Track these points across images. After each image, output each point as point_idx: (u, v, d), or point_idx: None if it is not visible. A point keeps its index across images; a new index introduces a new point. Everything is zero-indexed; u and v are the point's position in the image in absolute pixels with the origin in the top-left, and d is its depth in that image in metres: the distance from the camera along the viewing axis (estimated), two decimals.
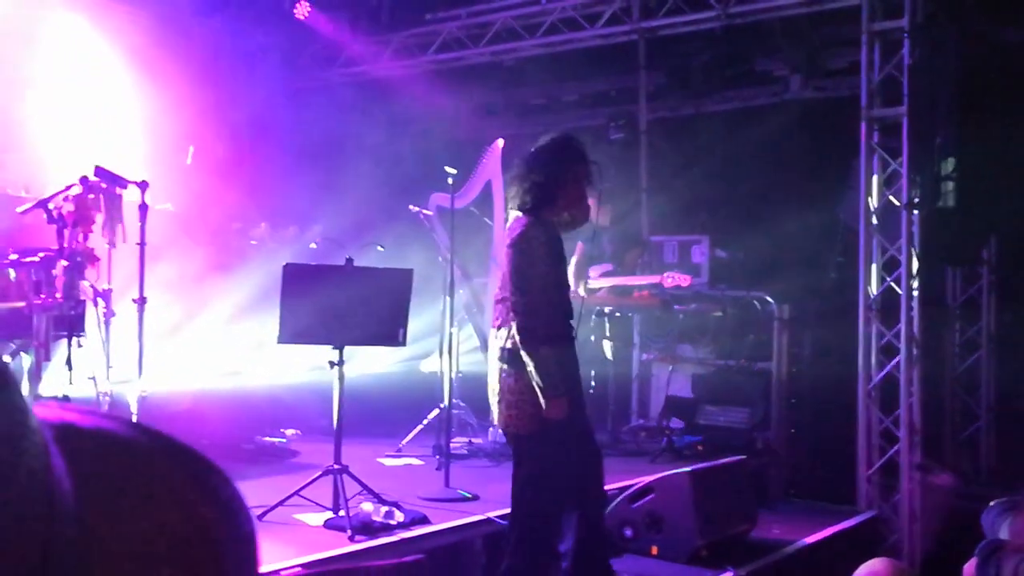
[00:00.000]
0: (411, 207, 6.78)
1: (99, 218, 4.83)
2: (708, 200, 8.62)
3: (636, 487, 5.24)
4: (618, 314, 7.51)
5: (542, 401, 3.96)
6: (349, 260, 4.88)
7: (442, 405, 5.92)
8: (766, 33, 8.35)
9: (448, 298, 5.81)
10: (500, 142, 6.67)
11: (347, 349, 4.64)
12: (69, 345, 4.67)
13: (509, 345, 4.06)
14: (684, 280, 6.99)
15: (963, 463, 8.06)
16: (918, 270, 6.50)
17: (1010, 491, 3.40)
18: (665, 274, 7.14)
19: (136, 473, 0.62)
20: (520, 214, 4.18)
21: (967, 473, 7.80)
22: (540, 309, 4.04)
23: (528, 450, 4.14)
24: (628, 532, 5.17)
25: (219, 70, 8.11)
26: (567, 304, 4.22)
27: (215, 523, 0.63)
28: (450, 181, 5.58)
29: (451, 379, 5.78)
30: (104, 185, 4.83)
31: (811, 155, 8.17)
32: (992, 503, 3.34)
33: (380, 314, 4.73)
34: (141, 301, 4.83)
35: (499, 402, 4.13)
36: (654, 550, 5.09)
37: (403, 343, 4.84)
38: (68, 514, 0.56)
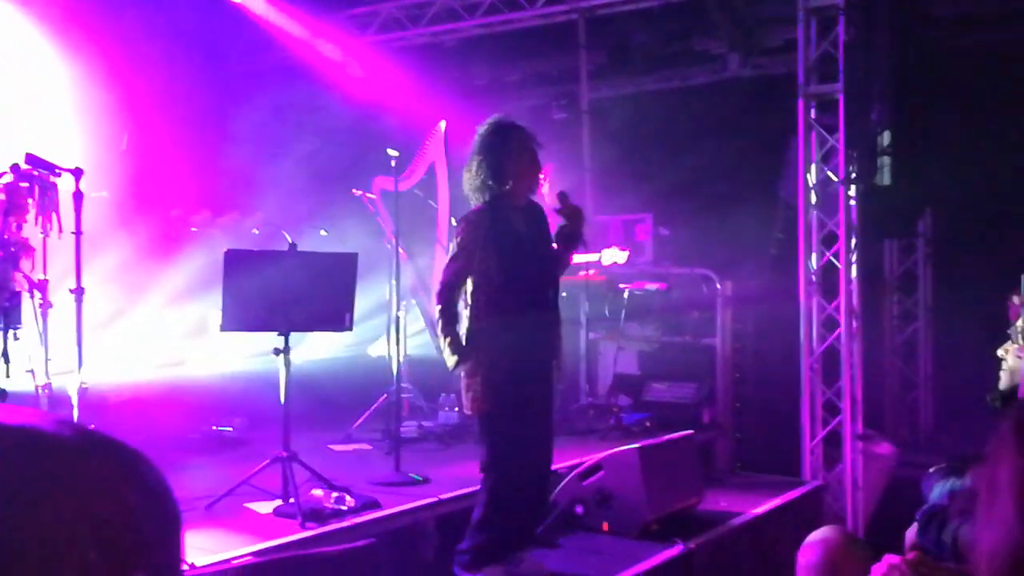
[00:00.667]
0: (354, 191, 6.72)
1: (32, 207, 4.71)
2: (651, 178, 8.68)
3: (586, 465, 5.29)
4: (564, 293, 7.53)
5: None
6: (292, 245, 4.83)
7: (391, 389, 5.90)
8: (703, 11, 8.41)
9: (394, 281, 5.78)
10: (443, 124, 6.64)
11: (293, 335, 4.59)
12: (4, 338, 4.56)
13: (462, 331, 4.22)
14: (620, 257, 7.04)
15: (903, 431, 8.26)
16: (856, 244, 6.63)
17: (948, 456, 3.49)
18: (603, 251, 7.18)
19: (62, 466, 0.64)
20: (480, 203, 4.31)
21: (907, 440, 8.00)
22: (450, 289, 4.19)
23: (485, 429, 4.26)
24: (579, 509, 5.21)
25: (154, 55, 7.94)
26: (523, 282, 4.25)
27: (141, 509, 0.66)
28: (393, 164, 5.53)
29: (399, 363, 5.76)
30: (36, 173, 4.70)
31: (750, 132, 8.27)
32: (931, 469, 3.43)
33: (325, 299, 4.68)
34: (79, 292, 4.72)
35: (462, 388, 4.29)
36: (605, 526, 5.14)
37: (350, 327, 4.81)
38: None
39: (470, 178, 4.31)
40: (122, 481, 0.66)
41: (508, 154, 4.27)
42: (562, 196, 4.42)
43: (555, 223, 4.49)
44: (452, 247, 4.30)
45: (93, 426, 0.72)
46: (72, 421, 0.69)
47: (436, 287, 4.36)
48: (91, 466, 0.66)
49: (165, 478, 0.70)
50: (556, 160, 7.49)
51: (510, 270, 4.21)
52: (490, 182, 4.25)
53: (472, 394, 4.19)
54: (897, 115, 6.49)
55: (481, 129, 4.37)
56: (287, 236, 5.00)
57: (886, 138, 6.54)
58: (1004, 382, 3.07)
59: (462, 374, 4.23)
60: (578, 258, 7.44)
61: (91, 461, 0.66)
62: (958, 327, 7.79)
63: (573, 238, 4.47)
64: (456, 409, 6.68)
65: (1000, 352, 3.14)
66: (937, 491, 3.25)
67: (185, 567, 3.40)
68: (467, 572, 4.26)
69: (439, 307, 4.20)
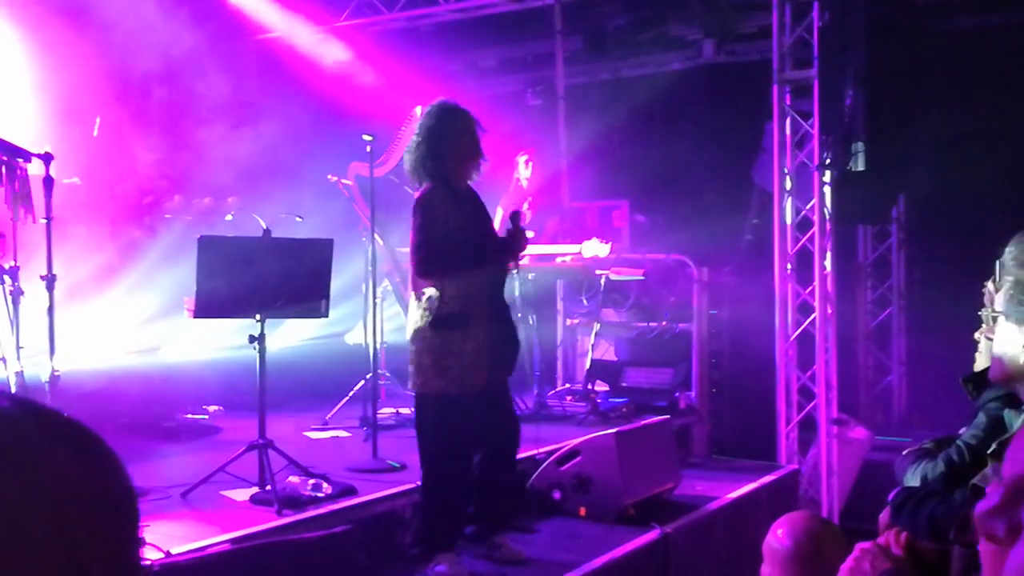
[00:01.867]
0: (329, 176, 6.67)
1: (1, 193, 4.64)
2: (627, 165, 8.68)
3: (563, 450, 5.30)
4: (541, 280, 7.53)
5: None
6: (266, 231, 4.79)
7: (368, 376, 5.88)
8: None
9: (370, 268, 5.75)
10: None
11: (269, 321, 4.56)
12: None
13: (419, 313, 4.21)
14: (602, 250, 7.04)
15: (877, 415, 8.34)
16: (830, 230, 6.66)
17: (921, 440, 3.52)
18: (584, 243, 7.19)
19: (2, 438, 0.62)
20: (423, 185, 4.31)
21: (880, 425, 8.07)
22: (440, 265, 4.16)
23: (419, 409, 4.31)
24: (556, 495, 5.22)
25: (126, 37, 7.83)
26: (481, 267, 4.24)
27: (88, 482, 0.64)
28: (368, 149, 5.49)
29: (376, 350, 5.73)
30: (5, 158, 4.63)
31: (725, 118, 8.29)
32: (904, 452, 3.46)
33: (301, 285, 4.65)
34: (50, 278, 4.66)
35: (410, 364, 4.27)
36: (582, 511, 5.16)
37: (325, 314, 4.78)
38: None
39: (410, 159, 4.33)
40: (66, 453, 0.64)
41: (448, 138, 4.28)
42: (514, 216, 4.40)
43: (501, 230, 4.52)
44: (412, 234, 4.26)
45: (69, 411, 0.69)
46: (9, 392, 0.67)
47: (411, 273, 4.33)
48: (32, 437, 0.63)
49: (113, 451, 0.68)
50: (532, 146, 7.48)
51: (469, 247, 4.20)
52: (428, 163, 4.26)
53: (420, 371, 4.17)
54: (872, 101, 6.52)
55: (425, 111, 4.38)
56: (261, 222, 4.96)
57: (860, 124, 6.56)
58: (979, 365, 3.09)
59: (416, 350, 4.18)
60: (560, 248, 7.47)
61: (32, 432, 0.64)
62: (931, 312, 7.87)
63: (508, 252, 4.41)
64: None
65: (976, 335, 3.16)
66: (910, 474, 3.28)
67: (160, 555, 3.38)
68: (420, 565, 4.24)
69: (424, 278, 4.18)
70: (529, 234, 5.02)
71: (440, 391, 4.16)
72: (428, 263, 4.16)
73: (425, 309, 4.18)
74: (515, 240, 4.31)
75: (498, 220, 6.56)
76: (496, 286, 4.36)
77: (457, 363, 4.13)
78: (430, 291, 4.19)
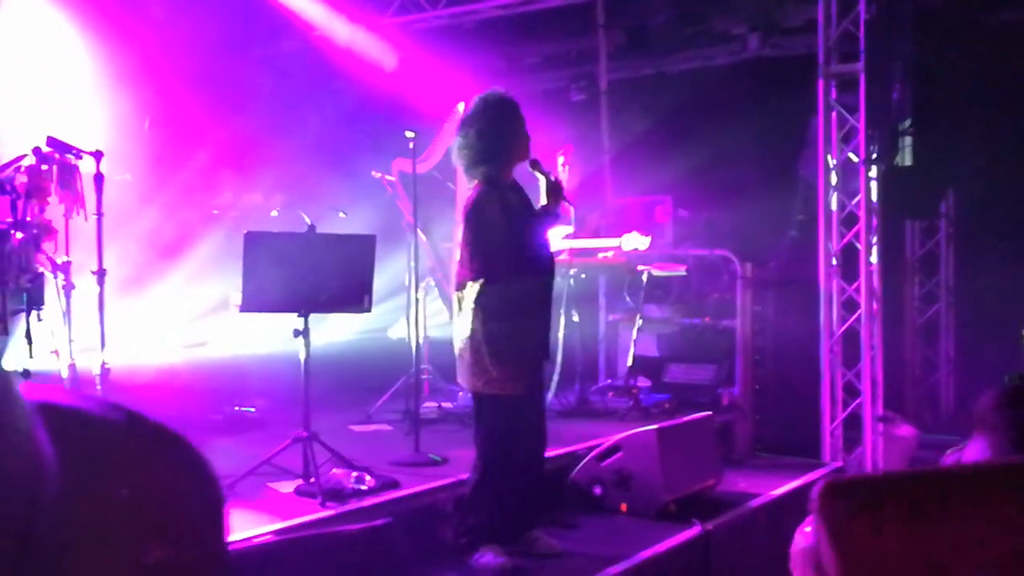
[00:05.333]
0: (373, 173, 6.74)
1: (54, 189, 4.75)
2: (670, 160, 8.64)
3: (604, 445, 5.30)
4: (584, 276, 7.54)
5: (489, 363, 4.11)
6: (311, 227, 4.85)
7: (411, 371, 5.93)
8: None
9: (413, 264, 5.80)
10: (461, 106, 6.63)
11: (314, 316, 4.62)
12: (28, 319, 4.61)
13: (464, 307, 4.19)
14: (642, 243, 7.02)
15: (924, 413, 8.22)
16: (877, 225, 6.58)
17: (968, 439, 3.47)
18: (624, 237, 7.17)
19: (114, 449, 0.66)
20: (475, 182, 4.26)
21: (927, 423, 7.96)
22: (499, 273, 4.14)
23: (484, 408, 4.26)
24: (597, 490, 5.23)
25: (176, 36, 7.96)
26: (537, 265, 4.25)
27: (190, 493, 0.68)
28: (411, 146, 5.54)
29: (419, 344, 5.78)
30: (58, 155, 4.74)
31: (770, 113, 8.20)
32: (949, 450, 3.42)
33: (344, 281, 4.70)
34: (101, 273, 4.77)
35: (459, 360, 4.27)
36: (623, 507, 5.16)
37: (369, 309, 4.83)
38: (51, 477, 0.60)
39: (465, 148, 4.26)
40: (170, 463, 0.68)
41: (509, 134, 4.25)
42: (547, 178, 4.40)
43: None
44: (465, 243, 4.24)
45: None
46: (119, 404, 0.71)
47: (456, 270, 4.34)
48: (140, 448, 0.67)
49: (208, 461, 0.73)
50: (574, 142, 7.48)
51: (526, 246, 4.21)
52: (485, 157, 4.22)
53: (496, 373, 4.15)
54: (919, 94, 6.43)
55: (479, 105, 4.31)
56: (306, 218, 5.02)
57: (907, 118, 6.47)
58: None
59: (466, 347, 4.18)
60: (599, 243, 7.46)
61: (140, 443, 0.68)
62: (980, 309, 7.73)
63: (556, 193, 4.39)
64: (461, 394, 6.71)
65: None
66: None
67: None
68: (468, 554, 4.27)
69: (494, 320, 4.12)
70: (568, 229, 5.04)
71: (496, 387, 4.17)
72: (487, 275, 4.15)
73: (472, 305, 4.19)
74: (554, 197, 4.31)
75: None
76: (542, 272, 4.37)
77: (511, 358, 4.15)
78: (474, 286, 4.20)
